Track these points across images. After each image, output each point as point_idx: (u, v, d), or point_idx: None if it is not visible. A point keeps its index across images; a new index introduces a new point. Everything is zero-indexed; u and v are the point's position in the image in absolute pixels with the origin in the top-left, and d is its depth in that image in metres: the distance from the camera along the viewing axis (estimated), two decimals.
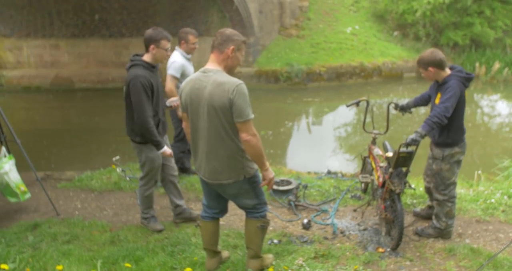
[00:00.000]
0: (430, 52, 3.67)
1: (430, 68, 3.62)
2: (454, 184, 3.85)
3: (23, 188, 4.46)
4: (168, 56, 3.77)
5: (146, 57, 3.68)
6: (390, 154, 3.91)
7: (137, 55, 3.73)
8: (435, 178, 3.86)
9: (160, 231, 4.08)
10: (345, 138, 10.12)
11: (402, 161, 3.59)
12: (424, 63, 3.65)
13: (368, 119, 4.71)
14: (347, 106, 4.57)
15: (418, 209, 4.41)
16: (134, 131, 3.77)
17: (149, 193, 4.03)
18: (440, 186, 3.83)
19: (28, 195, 4.53)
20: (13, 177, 4.41)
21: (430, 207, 4.25)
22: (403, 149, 3.51)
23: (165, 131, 3.94)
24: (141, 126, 3.62)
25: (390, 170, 3.69)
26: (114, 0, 12.62)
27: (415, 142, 3.46)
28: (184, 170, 5.33)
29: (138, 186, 4.08)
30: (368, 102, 4.63)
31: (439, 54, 3.63)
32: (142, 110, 3.58)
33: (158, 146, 3.71)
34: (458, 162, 3.80)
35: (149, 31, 3.65)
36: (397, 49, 14.93)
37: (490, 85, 14.25)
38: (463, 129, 3.74)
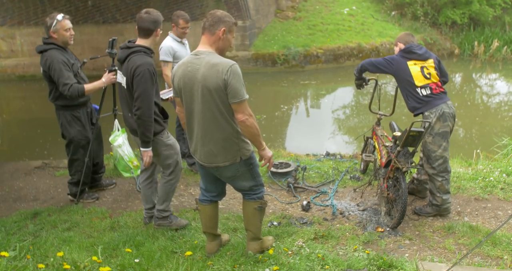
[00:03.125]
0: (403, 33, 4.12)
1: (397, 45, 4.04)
2: (443, 157, 3.84)
3: (136, 162, 4.33)
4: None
5: (145, 43, 3.35)
6: (398, 133, 3.90)
7: (130, 41, 3.40)
8: (423, 152, 3.94)
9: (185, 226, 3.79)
10: (343, 120, 10.10)
11: (411, 140, 3.58)
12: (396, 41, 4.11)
13: (375, 100, 4.66)
14: (356, 83, 4.45)
15: None
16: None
17: (176, 186, 3.75)
18: (429, 159, 3.89)
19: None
20: (127, 150, 4.32)
21: (413, 181, 4.31)
22: (414, 128, 3.50)
23: (167, 118, 3.65)
24: (140, 119, 3.27)
25: (398, 148, 3.68)
26: None
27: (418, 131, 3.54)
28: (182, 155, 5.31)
29: (162, 183, 3.69)
30: (377, 82, 4.57)
31: (408, 35, 4.08)
32: (147, 102, 3.25)
33: (148, 144, 3.38)
34: (442, 134, 3.81)
35: (151, 16, 3.32)
36: (395, 29, 14.78)
37: (489, 64, 14.17)
38: (419, 97, 3.81)
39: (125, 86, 3.38)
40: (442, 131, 3.80)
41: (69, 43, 4.07)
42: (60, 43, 4.01)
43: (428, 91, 3.82)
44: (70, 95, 3.93)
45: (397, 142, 3.80)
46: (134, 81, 3.25)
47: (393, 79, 4.04)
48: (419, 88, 3.83)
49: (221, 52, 2.86)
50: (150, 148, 3.43)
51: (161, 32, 3.44)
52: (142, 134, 3.35)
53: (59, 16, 3.93)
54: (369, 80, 4.46)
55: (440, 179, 3.86)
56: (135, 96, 3.28)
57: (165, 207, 3.74)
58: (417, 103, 3.84)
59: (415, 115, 3.92)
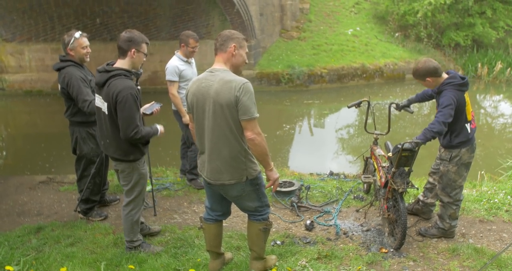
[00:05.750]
0: (423, 62, 3.61)
1: (428, 79, 3.59)
2: (461, 187, 3.83)
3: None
4: (143, 61, 3.40)
5: (123, 64, 3.25)
6: (392, 154, 3.90)
7: (108, 64, 3.31)
8: (442, 179, 3.84)
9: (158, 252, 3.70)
10: (347, 139, 10.11)
11: (404, 160, 3.59)
12: (420, 75, 3.62)
13: (369, 120, 4.72)
14: (349, 107, 4.60)
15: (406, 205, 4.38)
16: (124, 150, 3.35)
17: (139, 215, 3.63)
18: (447, 188, 3.81)
19: None
20: None
21: (418, 202, 4.26)
22: (406, 145, 3.49)
23: (148, 143, 3.56)
24: (131, 141, 3.25)
25: (393, 169, 3.68)
26: (115, 3, 12.66)
27: (409, 150, 3.48)
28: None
29: (124, 216, 3.58)
30: (369, 103, 4.64)
31: (433, 62, 3.59)
32: (131, 126, 3.17)
33: (156, 133, 3.48)
34: (467, 165, 3.78)
35: (127, 34, 3.25)
36: (399, 50, 14.94)
37: (492, 85, 14.24)
38: (467, 133, 3.67)
39: (106, 112, 3.26)
40: (467, 162, 3.77)
41: (86, 60, 4.13)
42: (77, 60, 4.06)
43: (473, 126, 3.71)
44: (90, 111, 3.92)
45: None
46: (118, 107, 3.15)
47: (386, 100, 4.03)
48: (468, 124, 3.65)
49: (236, 69, 2.93)
50: (159, 127, 3.54)
51: (141, 54, 3.30)
52: (148, 140, 3.44)
53: (77, 34, 4.01)
54: (361, 102, 4.53)
55: (454, 207, 3.84)
56: (120, 123, 3.19)
57: (133, 237, 3.65)
58: (468, 138, 3.66)
59: (453, 148, 3.71)
